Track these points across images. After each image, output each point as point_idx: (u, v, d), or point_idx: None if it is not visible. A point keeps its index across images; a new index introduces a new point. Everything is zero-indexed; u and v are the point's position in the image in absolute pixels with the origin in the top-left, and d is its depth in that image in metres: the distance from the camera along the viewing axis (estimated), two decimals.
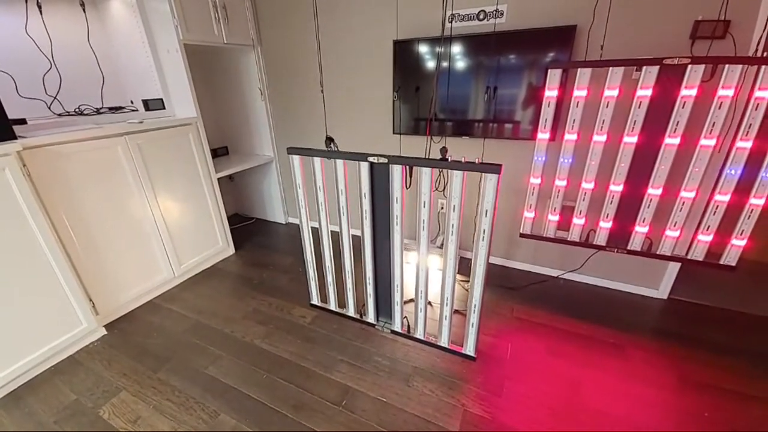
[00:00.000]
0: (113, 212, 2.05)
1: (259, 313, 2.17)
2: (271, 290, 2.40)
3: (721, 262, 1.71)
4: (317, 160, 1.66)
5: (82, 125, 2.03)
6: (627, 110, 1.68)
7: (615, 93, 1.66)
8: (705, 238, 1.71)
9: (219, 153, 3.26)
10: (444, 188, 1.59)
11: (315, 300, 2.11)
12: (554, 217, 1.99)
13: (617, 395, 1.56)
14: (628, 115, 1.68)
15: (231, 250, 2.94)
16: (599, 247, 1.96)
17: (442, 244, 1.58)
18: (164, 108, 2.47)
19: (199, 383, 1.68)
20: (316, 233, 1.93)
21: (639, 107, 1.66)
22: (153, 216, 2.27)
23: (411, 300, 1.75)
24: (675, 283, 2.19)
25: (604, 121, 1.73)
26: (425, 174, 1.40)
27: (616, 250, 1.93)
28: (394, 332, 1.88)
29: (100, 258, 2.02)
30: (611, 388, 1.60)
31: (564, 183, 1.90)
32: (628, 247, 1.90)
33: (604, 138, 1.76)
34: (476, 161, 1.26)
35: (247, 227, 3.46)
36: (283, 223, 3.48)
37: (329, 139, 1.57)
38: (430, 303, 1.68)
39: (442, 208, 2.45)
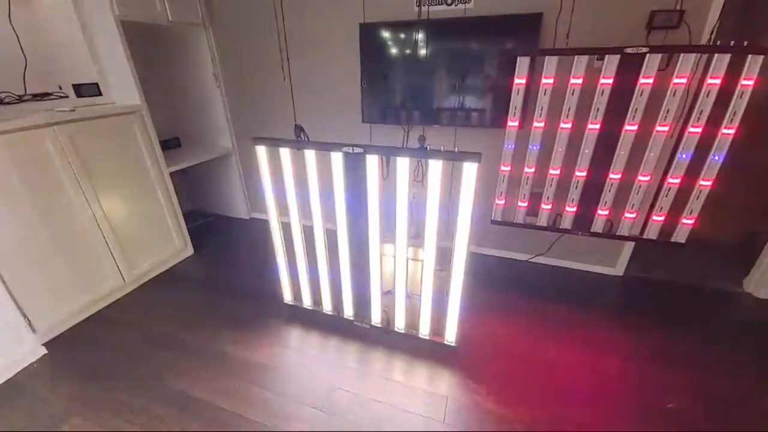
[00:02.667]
0: (45, 214, 1.79)
1: (225, 316, 2.03)
2: (237, 291, 2.25)
3: (673, 240, 1.85)
4: (285, 151, 1.55)
5: (1, 116, 1.73)
6: (591, 98, 1.73)
7: (580, 81, 1.71)
8: (658, 218, 1.84)
9: (170, 145, 2.97)
10: (423, 178, 1.55)
11: (288, 298, 2.01)
12: (523, 204, 2.04)
13: (584, 369, 1.66)
14: (592, 103, 1.74)
15: (190, 251, 2.72)
16: (565, 231, 2.05)
17: (418, 235, 1.55)
18: (100, 94, 2.18)
19: (163, 399, 1.53)
20: (286, 228, 1.82)
21: (602, 95, 1.72)
22: (95, 217, 2.02)
23: (389, 292, 1.72)
24: (630, 260, 2.36)
25: (569, 108, 1.78)
26: (403, 164, 1.35)
27: (580, 233, 2.02)
28: (373, 326, 1.84)
29: (33, 267, 1.76)
30: (579, 363, 1.69)
31: (532, 170, 1.94)
32: (591, 230, 2.00)
33: (569, 125, 1.81)
34: (455, 150, 1.23)
35: (206, 225, 3.22)
36: (247, 218, 3.28)
37: (299, 128, 1.46)
38: (409, 295, 1.66)
39: (414, 197, 2.42)
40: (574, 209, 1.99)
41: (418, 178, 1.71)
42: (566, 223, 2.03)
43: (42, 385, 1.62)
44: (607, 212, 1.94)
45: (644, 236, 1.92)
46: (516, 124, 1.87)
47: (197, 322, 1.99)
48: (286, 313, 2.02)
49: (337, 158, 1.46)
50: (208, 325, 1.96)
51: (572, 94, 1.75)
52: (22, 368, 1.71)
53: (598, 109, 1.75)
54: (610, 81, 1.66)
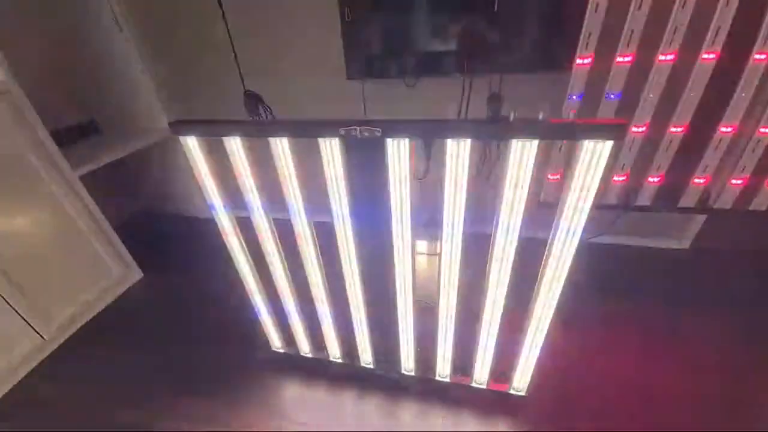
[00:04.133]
0: None
1: (194, 378, 1.45)
2: (207, 332, 1.65)
3: None
4: (236, 142, 0.88)
5: None
6: (707, 14, 1.12)
7: None
8: None
9: (81, 133, 2.16)
10: (490, 173, 0.97)
11: (277, 344, 1.44)
12: None
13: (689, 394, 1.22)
14: (709, 23, 1.13)
15: (136, 274, 2.05)
16: (643, 208, 1.52)
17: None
18: None
19: None
20: (257, 251, 1.19)
21: (726, 5, 1.10)
22: None
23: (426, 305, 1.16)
24: (699, 231, 1.89)
25: (676, 29, 1.16)
26: (459, 150, 0.72)
27: (664, 209, 1.50)
28: (403, 375, 1.31)
29: None
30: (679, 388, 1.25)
31: None
32: (680, 205, 1.48)
33: (671, 56, 1.21)
34: (570, 116, 0.62)
35: (157, 232, 2.51)
36: (208, 217, 2.58)
37: (253, 98, 0.80)
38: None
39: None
40: (658, 179, 1.44)
41: (483, 170, 1.09)
42: (645, 197, 1.50)
43: None
44: (704, 179, 1.41)
45: (751, 208, 1.43)
46: (588, 60, 1.25)
47: (147, 390, 1.41)
48: (276, 365, 1.46)
49: (329, 148, 0.81)
50: (168, 396, 1.38)
51: (682, 6, 1.12)
52: None
53: (717, 29, 1.14)
54: None
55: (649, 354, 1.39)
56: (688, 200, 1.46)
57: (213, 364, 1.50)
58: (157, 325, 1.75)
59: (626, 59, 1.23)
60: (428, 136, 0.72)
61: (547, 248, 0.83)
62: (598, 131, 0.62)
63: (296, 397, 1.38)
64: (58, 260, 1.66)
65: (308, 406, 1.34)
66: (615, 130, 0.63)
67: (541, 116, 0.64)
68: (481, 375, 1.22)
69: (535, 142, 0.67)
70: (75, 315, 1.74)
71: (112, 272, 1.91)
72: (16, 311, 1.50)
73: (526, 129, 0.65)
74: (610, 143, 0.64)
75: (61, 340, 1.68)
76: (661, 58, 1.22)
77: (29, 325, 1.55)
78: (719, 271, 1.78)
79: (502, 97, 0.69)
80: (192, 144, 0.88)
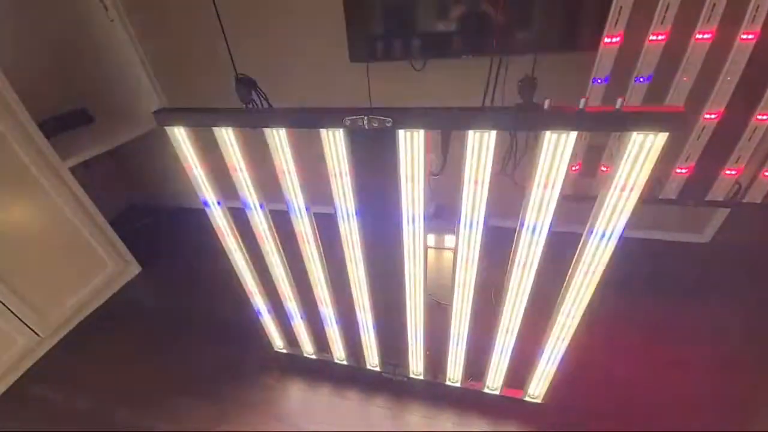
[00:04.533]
0: None
1: (197, 377, 1.40)
2: (208, 330, 1.60)
3: None
4: (228, 133, 0.78)
5: None
6: None
7: None
8: None
9: (73, 123, 2.05)
10: (515, 168, 0.87)
11: (279, 345, 1.38)
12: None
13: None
14: None
15: (135, 269, 1.99)
16: (668, 202, 1.42)
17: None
18: None
19: None
20: (255, 250, 1.11)
21: None
22: None
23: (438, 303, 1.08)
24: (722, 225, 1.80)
25: (714, 5, 1.04)
26: (484, 144, 0.63)
27: (692, 202, 1.41)
28: (411, 379, 1.25)
29: None
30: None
31: None
32: (708, 198, 1.39)
33: (709, 35, 1.09)
34: (619, 103, 0.53)
35: (157, 224, 2.44)
36: None
37: (246, 84, 0.70)
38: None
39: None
40: (686, 170, 1.34)
41: (507, 169, 0.99)
42: (671, 190, 1.40)
43: None
44: (735, 171, 1.31)
45: None
46: (617, 39, 1.13)
47: (153, 393, 1.36)
48: (279, 365, 1.40)
49: (333, 140, 0.72)
50: (171, 394, 1.34)
51: None
52: None
53: (757, 7, 1.02)
54: None
55: (675, 356, 1.31)
56: (717, 193, 1.36)
57: (214, 363, 1.45)
58: (157, 321, 1.70)
59: (659, 38, 1.11)
60: (448, 126, 0.63)
61: (577, 252, 0.74)
62: (652, 121, 0.53)
63: (299, 399, 1.32)
64: (50, 255, 1.59)
65: (312, 408, 1.29)
66: (672, 120, 0.53)
67: (582, 104, 0.54)
68: (494, 381, 1.15)
69: (573, 134, 0.58)
70: (71, 312, 1.68)
71: (108, 266, 1.85)
72: (9, 309, 1.44)
73: (566, 119, 0.55)
74: (665, 135, 0.55)
75: (58, 338, 1.63)
76: (698, 37, 1.10)
77: (23, 323, 1.49)
78: (742, 265, 1.69)
79: (535, 78, 0.59)
80: (180, 135, 0.79)
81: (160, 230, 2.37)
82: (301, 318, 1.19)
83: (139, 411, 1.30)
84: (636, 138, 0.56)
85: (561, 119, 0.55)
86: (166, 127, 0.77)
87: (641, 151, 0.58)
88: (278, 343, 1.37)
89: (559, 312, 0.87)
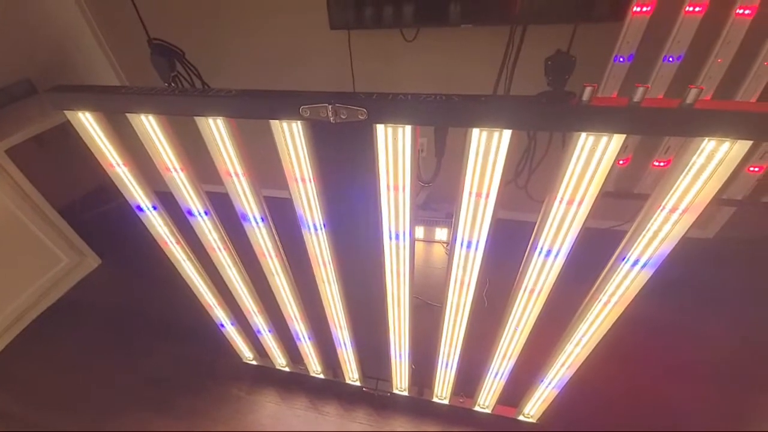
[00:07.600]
0: None
1: (158, 382, 1.26)
2: (173, 333, 1.44)
3: None
4: (149, 121, 0.59)
5: None
6: None
7: None
8: None
9: (12, 95, 1.78)
10: (529, 175, 0.70)
11: (248, 356, 1.23)
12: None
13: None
14: None
15: (93, 261, 1.80)
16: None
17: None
18: None
19: None
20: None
21: None
22: None
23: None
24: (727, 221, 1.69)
25: None
26: (493, 145, 0.46)
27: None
28: (394, 395, 1.13)
29: None
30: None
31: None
32: (724, 196, 1.26)
33: (749, 11, 0.91)
34: (693, 97, 0.36)
35: (117, 213, 2.22)
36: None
37: (165, 52, 0.51)
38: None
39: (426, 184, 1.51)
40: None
41: (520, 180, 0.82)
42: None
43: None
44: (758, 168, 1.18)
45: None
46: (648, 9, 0.95)
47: (111, 400, 1.21)
48: (250, 376, 1.26)
49: (288, 134, 0.53)
50: (129, 403, 1.20)
51: None
52: None
53: None
54: None
55: (680, 370, 1.22)
56: (736, 191, 1.23)
57: (177, 371, 1.31)
58: (113, 321, 1.54)
59: (696, 9, 0.93)
60: (444, 122, 0.45)
61: (600, 279, 0.60)
62: (733, 125, 0.37)
63: (272, 413, 1.20)
64: None
65: (286, 423, 1.16)
66: (761, 124, 0.37)
67: (639, 95, 0.38)
68: (486, 399, 1.04)
69: (620, 138, 0.41)
70: (21, 311, 1.50)
71: (62, 261, 1.65)
72: None
73: (615, 117, 0.38)
74: (746, 144, 0.39)
75: (8, 340, 1.46)
76: (739, 11, 0.92)
77: None
78: (749, 262, 1.60)
79: (573, 57, 0.42)
80: (88, 123, 0.59)
81: (127, 215, 2.15)
82: (269, 332, 1.04)
83: (88, 426, 1.16)
84: (707, 145, 0.40)
85: (607, 117, 0.39)
86: (66, 112, 0.57)
87: (708, 163, 0.42)
88: (247, 354, 1.22)
89: (568, 340, 0.74)
